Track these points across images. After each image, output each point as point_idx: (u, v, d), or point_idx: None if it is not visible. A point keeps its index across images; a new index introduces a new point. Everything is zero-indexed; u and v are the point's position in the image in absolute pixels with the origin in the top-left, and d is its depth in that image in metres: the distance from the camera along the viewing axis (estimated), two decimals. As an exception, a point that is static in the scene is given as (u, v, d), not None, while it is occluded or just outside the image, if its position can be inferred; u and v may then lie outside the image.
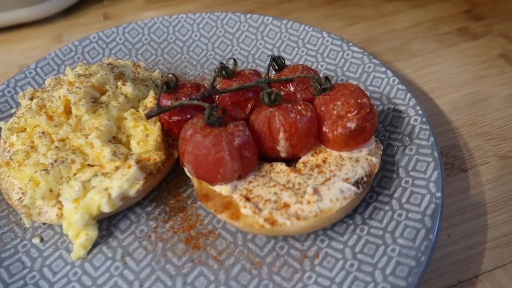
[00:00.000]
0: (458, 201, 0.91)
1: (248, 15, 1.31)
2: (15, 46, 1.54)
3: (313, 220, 0.75)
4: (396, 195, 0.83)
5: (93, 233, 0.83)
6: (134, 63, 1.10)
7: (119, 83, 0.93)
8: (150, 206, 0.91)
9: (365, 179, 0.80)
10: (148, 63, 1.28)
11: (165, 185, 0.95)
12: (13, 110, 1.11)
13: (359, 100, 0.82)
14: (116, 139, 0.92)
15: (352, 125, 0.80)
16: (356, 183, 0.79)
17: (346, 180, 0.80)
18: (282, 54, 1.24)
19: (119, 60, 1.10)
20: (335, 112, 0.82)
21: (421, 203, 0.79)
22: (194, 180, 0.88)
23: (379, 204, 0.84)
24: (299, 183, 0.81)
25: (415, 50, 1.32)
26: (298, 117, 0.81)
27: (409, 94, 0.99)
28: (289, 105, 0.83)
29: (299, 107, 0.83)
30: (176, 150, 0.95)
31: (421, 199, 0.80)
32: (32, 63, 1.21)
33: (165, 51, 1.30)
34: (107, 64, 0.97)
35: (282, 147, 0.83)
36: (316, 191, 0.78)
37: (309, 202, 0.77)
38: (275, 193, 0.80)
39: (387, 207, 0.82)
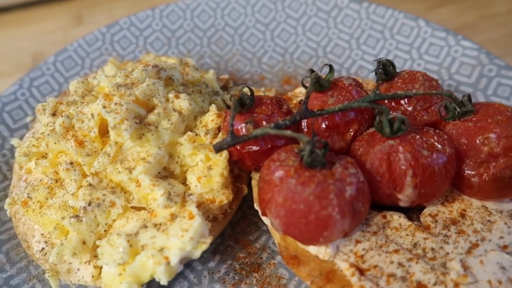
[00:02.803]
0: None
1: (317, -4, 1.04)
2: (28, 28, 1.29)
3: (467, 315, 0.52)
4: None
5: (142, 305, 0.61)
6: (181, 61, 0.85)
7: (170, 95, 0.69)
8: (213, 260, 0.69)
9: (532, 248, 0.56)
10: (192, 55, 1.03)
11: (229, 229, 0.73)
12: (28, 119, 0.88)
13: (525, 133, 0.57)
14: (167, 170, 0.68)
15: (515, 169, 0.56)
16: (521, 255, 0.56)
17: (504, 248, 0.56)
18: (364, 48, 0.98)
19: (162, 57, 0.85)
20: (486, 148, 0.57)
21: None
22: (275, 231, 0.65)
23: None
24: (433, 250, 0.57)
25: (527, 43, 1.05)
26: (434, 156, 0.57)
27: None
28: (417, 137, 0.58)
29: (432, 140, 0.59)
30: (245, 184, 0.72)
31: None
32: (50, 56, 0.97)
33: (212, 40, 1.05)
34: (152, 67, 0.72)
35: (406, 195, 0.59)
36: (466, 267, 0.55)
37: (457, 285, 0.53)
38: (401, 264, 0.56)
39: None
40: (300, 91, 0.82)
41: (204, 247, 0.60)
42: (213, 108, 0.70)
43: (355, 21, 1.00)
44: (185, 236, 0.59)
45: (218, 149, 0.60)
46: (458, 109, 0.60)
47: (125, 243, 0.59)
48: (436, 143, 0.58)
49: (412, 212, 0.63)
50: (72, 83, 0.77)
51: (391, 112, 0.67)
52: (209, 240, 0.60)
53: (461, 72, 0.86)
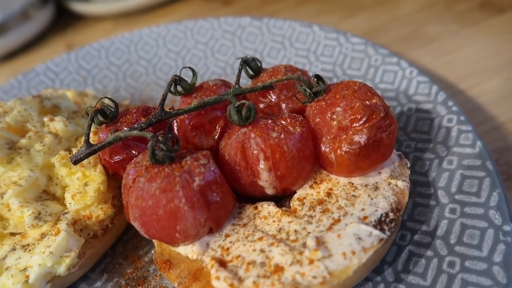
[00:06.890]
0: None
1: (222, 19, 1.08)
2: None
3: (321, 291, 0.50)
4: (440, 232, 0.57)
5: (14, 333, 0.58)
6: (80, 92, 0.88)
7: (45, 119, 0.70)
8: (100, 280, 0.67)
9: (391, 215, 0.54)
10: (108, 90, 1.06)
11: (121, 247, 0.71)
12: None
13: (367, 102, 0.57)
14: (49, 193, 0.68)
15: (362, 138, 0.55)
16: (379, 224, 0.54)
17: (363, 219, 0.54)
18: (267, 59, 1.00)
19: (59, 91, 0.88)
20: (335, 122, 0.57)
21: (481, 243, 0.52)
22: (155, 240, 0.64)
23: (417, 248, 0.57)
24: (296, 231, 0.55)
25: (431, 35, 1.07)
26: (282, 136, 0.57)
27: (434, 87, 0.73)
28: (269, 121, 0.58)
29: (283, 122, 0.59)
30: (131, 198, 0.71)
31: (480, 236, 0.53)
32: (-35, 107, 1.00)
33: (127, 74, 1.08)
34: (34, 97, 0.74)
35: (265, 181, 0.58)
36: (320, 242, 0.52)
37: (311, 262, 0.51)
38: (262, 251, 0.54)
39: (429, 252, 0.56)
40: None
41: (68, 261, 0.58)
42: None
43: (258, 36, 1.03)
44: (46, 252, 0.57)
45: (75, 160, 0.60)
46: (309, 90, 0.61)
47: (-13, 266, 0.58)
48: (287, 125, 0.58)
49: (286, 199, 0.62)
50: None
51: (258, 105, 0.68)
52: (73, 254, 0.59)
53: (352, 67, 0.87)
